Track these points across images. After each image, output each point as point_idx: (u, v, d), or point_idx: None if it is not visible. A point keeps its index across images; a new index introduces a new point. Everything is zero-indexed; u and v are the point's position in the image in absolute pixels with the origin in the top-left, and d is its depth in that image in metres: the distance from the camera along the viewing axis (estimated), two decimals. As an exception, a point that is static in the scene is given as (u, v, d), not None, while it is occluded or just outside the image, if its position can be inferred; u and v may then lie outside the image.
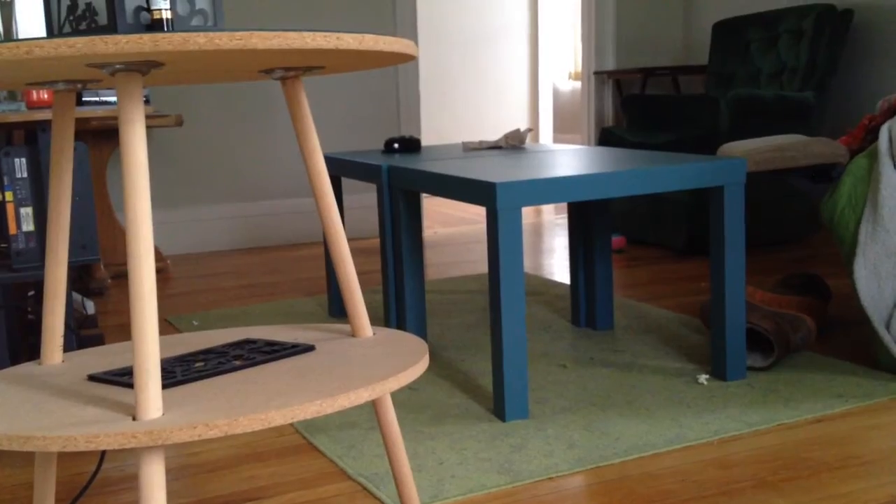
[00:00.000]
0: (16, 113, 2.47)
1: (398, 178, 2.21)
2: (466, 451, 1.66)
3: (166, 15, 1.04)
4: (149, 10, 1.04)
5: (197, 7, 1.10)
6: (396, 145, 2.63)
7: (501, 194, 1.74)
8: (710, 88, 4.31)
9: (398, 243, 2.28)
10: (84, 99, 2.89)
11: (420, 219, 2.28)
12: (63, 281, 1.19)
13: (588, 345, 2.31)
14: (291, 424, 1.84)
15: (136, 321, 0.95)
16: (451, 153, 2.49)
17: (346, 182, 4.33)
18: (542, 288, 2.99)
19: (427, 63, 6.54)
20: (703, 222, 3.38)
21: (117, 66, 0.95)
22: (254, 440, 1.77)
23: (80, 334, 2.34)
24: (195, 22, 1.10)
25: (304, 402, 0.99)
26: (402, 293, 2.30)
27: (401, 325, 2.33)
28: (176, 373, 1.11)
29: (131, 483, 1.60)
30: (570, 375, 2.08)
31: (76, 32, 1.09)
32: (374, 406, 1.23)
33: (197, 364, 1.16)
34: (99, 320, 2.83)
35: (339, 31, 0.97)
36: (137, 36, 0.86)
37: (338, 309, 2.73)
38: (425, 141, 6.58)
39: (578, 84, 6.87)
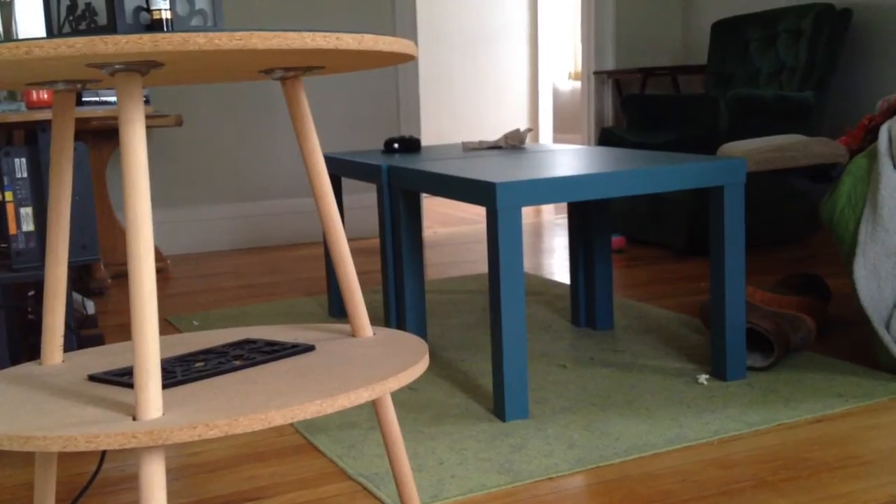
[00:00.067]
0: (16, 113, 2.48)
1: (398, 178, 2.21)
2: (466, 451, 1.66)
3: (166, 15, 1.04)
4: (148, 10, 1.04)
5: (197, 7, 1.10)
6: (396, 145, 2.63)
7: (501, 194, 1.74)
8: (710, 88, 4.31)
9: (398, 243, 2.28)
10: (84, 99, 2.89)
11: (420, 219, 2.28)
12: (63, 281, 1.19)
13: (588, 345, 2.31)
14: (291, 424, 1.84)
15: (136, 321, 0.95)
16: (450, 153, 2.49)
17: (346, 182, 4.33)
18: (542, 288, 2.99)
19: (427, 63, 6.54)
20: (703, 222, 3.38)
21: (117, 67, 0.95)
22: (254, 440, 1.77)
23: (81, 334, 2.34)
24: (195, 22, 1.10)
25: (304, 402, 0.99)
26: (402, 293, 2.30)
27: (401, 325, 2.33)
28: (176, 373, 1.11)
29: (131, 483, 1.61)
30: (570, 375, 2.08)
31: (76, 32, 1.09)
32: (374, 406, 1.23)
33: (197, 364, 1.16)
34: (99, 320, 2.83)
35: (338, 31, 0.97)
36: (137, 36, 0.86)
37: (338, 309, 2.73)
38: (425, 141, 6.58)
39: (578, 84, 6.87)
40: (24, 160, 1.71)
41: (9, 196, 1.71)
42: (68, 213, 1.19)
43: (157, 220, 4.00)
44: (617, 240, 3.57)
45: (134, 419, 0.96)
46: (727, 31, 4.27)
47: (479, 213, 4.97)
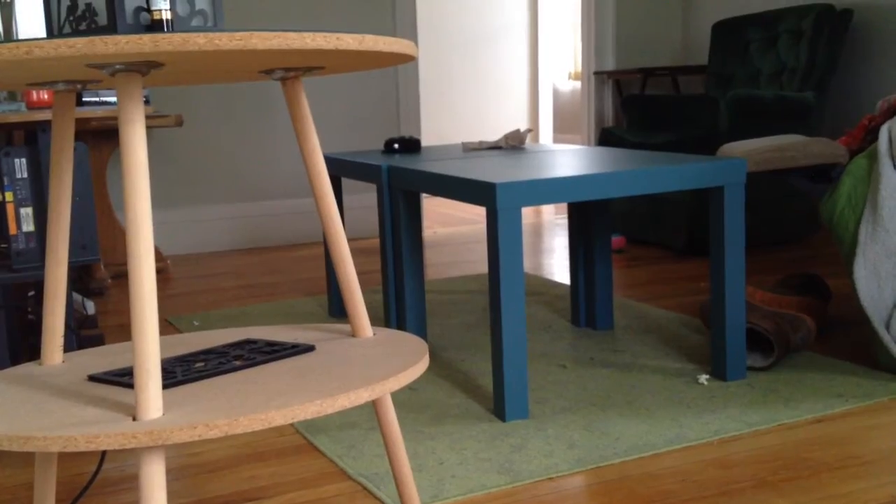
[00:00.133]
0: (16, 113, 2.48)
1: (398, 179, 2.21)
2: (466, 451, 1.66)
3: (166, 15, 1.04)
4: (149, 10, 1.04)
5: (197, 7, 1.10)
6: (396, 145, 2.63)
7: (501, 194, 1.74)
8: (710, 89, 4.31)
9: (398, 243, 2.28)
10: (84, 99, 2.89)
11: (420, 219, 2.28)
12: (63, 281, 1.19)
13: (588, 345, 2.31)
14: (292, 424, 1.84)
15: (137, 321, 0.95)
16: (450, 153, 2.49)
17: (346, 182, 4.33)
18: (542, 288, 2.99)
19: (427, 63, 6.54)
20: (703, 222, 3.38)
21: (117, 67, 0.95)
22: (254, 440, 1.77)
23: (81, 334, 2.34)
24: (195, 22, 1.10)
25: (304, 402, 0.99)
26: (402, 293, 2.30)
27: (401, 325, 2.33)
28: (176, 373, 1.11)
29: (131, 483, 1.61)
30: (570, 375, 2.08)
31: (76, 33, 1.09)
32: (374, 406, 1.23)
33: (197, 364, 1.16)
34: (99, 320, 2.83)
35: (338, 32, 0.97)
36: (137, 36, 0.86)
37: (338, 309, 2.73)
38: (425, 141, 6.58)
39: (578, 84, 6.87)
40: (24, 160, 1.72)
41: (9, 196, 1.71)
42: (68, 213, 1.19)
43: (157, 220, 4.00)
44: (617, 240, 3.57)
45: (134, 419, 0.96)
46: (728, 32, 4.27)
47: (479, 213, 4.97)
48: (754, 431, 1.71)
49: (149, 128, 3.77)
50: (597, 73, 4.88)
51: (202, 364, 1.16)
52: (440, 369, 2.16)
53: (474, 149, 2.62)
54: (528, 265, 3.43)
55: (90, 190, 1.77)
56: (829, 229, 2.08)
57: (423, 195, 5.59)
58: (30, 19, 2.99)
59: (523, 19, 6.79)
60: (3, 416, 1.00)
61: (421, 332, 2.31)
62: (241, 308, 2.90)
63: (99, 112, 2.70)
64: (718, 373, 2.00)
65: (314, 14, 4.11)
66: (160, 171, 3.99)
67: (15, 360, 1.93)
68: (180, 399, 1.02)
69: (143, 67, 0.96)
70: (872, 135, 2.65)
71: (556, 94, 7.12)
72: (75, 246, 1.77)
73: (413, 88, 4.35)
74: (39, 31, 3.01)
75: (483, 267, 3.44)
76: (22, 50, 0.85)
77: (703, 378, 1.99)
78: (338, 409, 1.01)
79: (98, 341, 2.33)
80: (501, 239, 1.75)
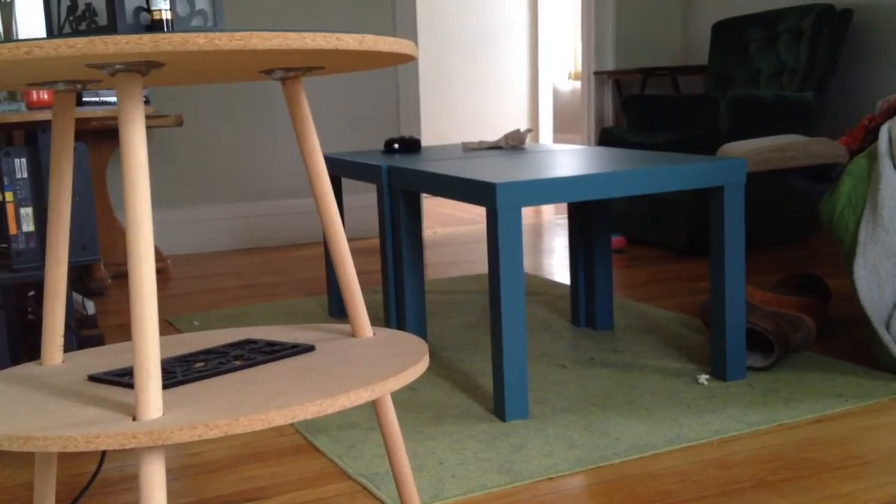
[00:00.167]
0: (16, 113, 2.48)
1: (398, 179, 2.21)
2: (466, 451, 1.66)
3: (166, 15, 1.04)
4: (149, 10, 1.04)
5: (197, 7, 1.10)
6: (396, 145, 2.63)
7: (501, 194, 1.74)
8: (710, 89, 4.31)
9: (398, 243, 2.28)
10: (84, 99, 2.89)
11: (420, 219, 2.28)
12: (63, 281, 1.19)
13: (588, 345, 2.31)
14: (292, 424, 1.84)
15: (137, 321, 0.95)
16: (450, 153, 2.49)
17: (346, 182, 4.33)
18: (542, 288, 2.99)
19: (427, 63, 6.54)
20: (703, 222, 3.38)
21: (117, 67, 0.95)
22: (254, 440, 1.77)
23: (81, 334, 2.34)
24: (195, 22, 1.10)
25: (304, 402, 0.99)
26: (402, 293, 2.30)
27: (401, 325, 2.33)
28: (176, 373, 1.11)
29: (131, 483, 1.61)
30: (570, 375, 2.08)
31: (76, 33, 1.09)
32: (374, 406, 1.23)
33: (197, 364, 1.16)
34: (99, 320, 2.83)
35: (338, 32, 0.97)
36: (137, 36, 0.86)
37: (338, 309, 2.73)
38: (425, 141, 6.58)
39: (578, 84, 6.87)
40: (24, 160, 1.72)
41: (9, 196, 1.71)
42: (68, 213, 1.19)
43: (157, 220, 4.00)
44: (617, 240, 3.57)
45: (134, 419, 0.96)
46: (728, 32, 4.27)
47: (479, 213, 4.97)
48: (754, 431, 1.71)
49: (149, 128, 3.77)
50: (597, 73, 4.88)
51: (202, 364, 1.16)
52: (440, 369, 2.16)
53: (474, 149, 2.62)
54: (528, 265, 3.43)
55: (90, 190, 1.77)
56: (829, 229, 2.09)
57: (423, 195, 5.59)
58: (30, 19, 2.99)
59: (523, 19, 6.79)
60: (3, 416, 1.00)
61: (421, 332, 2.31)
62: (241, 308, 2.90)
63: (99, 112, 2.70)
64: (718, 373, 2.00)
65: (314, 14, 4.11)
66: (160, 171, 3.99)
67: (15, 360, 1.93)
68: (180, 399, 1.02)
69: (143, 67, 0.96)
70: (872, 135, 2.66)
71: (556, 94, 7.12)
72: (75, 246, 1.77)
73: (413, 88, 4.35)
74: (39, 31, 3.01)
75: (483, 267, 3.44)
76: (22, 50, 0.85)
77: (703, 378, 1.99)
78: (338, 409, 1.01)
79: (98, 341, 2.33)
80: (501, 239, 1.75)
